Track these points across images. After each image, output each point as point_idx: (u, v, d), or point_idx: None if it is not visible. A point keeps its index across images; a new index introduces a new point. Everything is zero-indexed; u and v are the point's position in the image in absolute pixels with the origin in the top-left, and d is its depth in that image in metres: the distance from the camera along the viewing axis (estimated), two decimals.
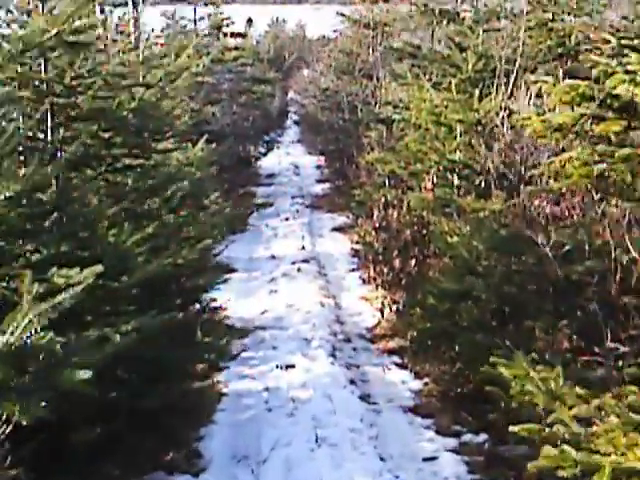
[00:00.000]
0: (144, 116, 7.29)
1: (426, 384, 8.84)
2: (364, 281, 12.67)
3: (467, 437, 7.65)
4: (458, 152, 10.37)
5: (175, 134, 9.69)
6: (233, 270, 13.69)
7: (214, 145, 15.13)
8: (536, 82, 8.06)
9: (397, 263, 9.79)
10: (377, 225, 11.12)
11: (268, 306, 11.58)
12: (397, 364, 9.48)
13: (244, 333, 10.55)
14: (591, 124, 7.22)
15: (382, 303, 10.98)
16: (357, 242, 13.56)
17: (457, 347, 8.00)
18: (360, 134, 15.33)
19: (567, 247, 6.67)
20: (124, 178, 7.66)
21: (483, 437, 7.56)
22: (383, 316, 10.35)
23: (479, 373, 7.22)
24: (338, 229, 16.36)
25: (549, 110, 9.35)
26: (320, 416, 7.96)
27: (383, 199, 11.33)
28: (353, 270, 13.42)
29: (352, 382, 8.82)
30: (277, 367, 9.23)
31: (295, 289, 12.22)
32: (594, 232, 6.91)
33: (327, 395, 8.42)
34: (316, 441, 7.44)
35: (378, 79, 15.73)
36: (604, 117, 7.04)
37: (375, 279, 11.47)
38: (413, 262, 9.57)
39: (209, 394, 8.37)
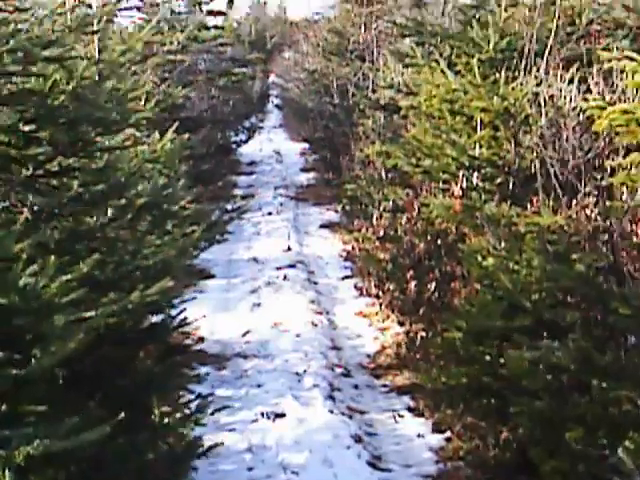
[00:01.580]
0: (85, 102, 5.11)
1: (448, 439, 6.75)
2: (360, 292, 10.56)
3: None
4: (478, 147, 8.29)
5: (136, 123, 7.57)
6: (210, 276, 11.58)
7: (191, 133, 13.02)
8: (610, 60, 5.99)
9: (412, 285, 7.66)
10: (382, 233, 8.97)
11: (250, 325, 9.42)
12: (409, 408, 7.39)
13: (221, 363, 8.43)
14: None
15: (386, 326, 8.92)
16: (353, 248, 11.42)
17: (498, 403, 5.92)
18: (354, 122, 13.15)
19: None
20: (64, 185, 5.54)
21: None
22: (399, 349, 8.18)
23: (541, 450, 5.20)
24: (327, 226, 14.20)
25: (605, 98, 7.29)
26: None
27: (390, 202, 9.13)
28: (346, 277, 11.29)
29: (357, 439, 6.70)
30: (263, 416, 7.10)
31: (281, 302, 10.06)
32: None
33: (328, 461, 6.30)
34: None
35: (373, 62, 13.55)
36: None
37: (378, 296, 9.34)
38: (432, 285, 7.45)
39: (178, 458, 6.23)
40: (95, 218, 5.62)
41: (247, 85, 22.12)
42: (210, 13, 18.44)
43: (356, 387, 7.86)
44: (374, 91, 12.73)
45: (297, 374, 7.93)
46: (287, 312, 9.66)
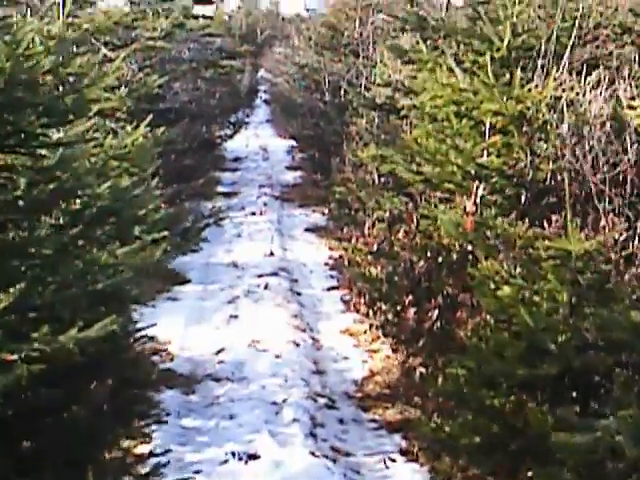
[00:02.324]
0: (20, 85, 4.03)
1: None
2: (347, 305, 9.50)
3: None
4: (486, 154, 7.25)
5: (101, 114, 6.54)
6: (186, 281, 10.48)
7: (172, 126, 11.94)
8: None
9: (411, 311, 6.58)
10: (376, 247, 7.90)
11: (225, 341, 8.33)
12: (402, 451, 6.32)
13: (190, 387, 7.36)
14: None
15: (375, 348, 7.89)
16: (340, 257, 10.39)
17: (512, 461, 4.88)
18: (346, 120, 12.09)
19: None
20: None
21: None
22: (389, 377, 7.14)
23: None
24: (312, 230, 13.12)
25: None
26: None
27: (385, 211, 8.05)
28: (332, 289, 10.22)
29: None
30: (234, 456, 6.02)
31: (261, 316, 8.98)
32: None
33: None
34: None
35: (368, 58, 12.49)
36: None
37: (368, 314, 8.27)
38: (435, 313, 6.37)
39: None
40: (37, 227, 4.55)
41: (235, 78, 21.01)
42: (198, 1, 17.36)
43: (341, 422, 6.79)
44: (368, 89, 11.69)
45: (275, 404, 6.86)
46: (267, 327, 8.60)
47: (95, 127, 7.66)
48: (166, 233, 7.29)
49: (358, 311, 9.01)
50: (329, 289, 10.21)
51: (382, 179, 9.86)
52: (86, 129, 5.61)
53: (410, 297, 6.56)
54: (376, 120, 10.74)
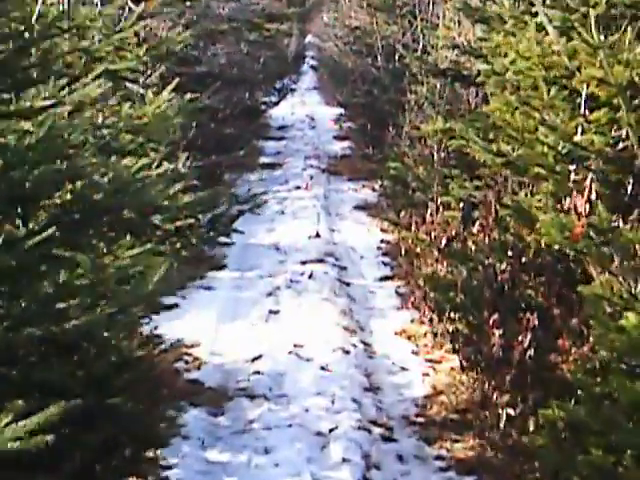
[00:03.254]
0: None
1: None
2: (402, 299, 8.08)
3: None
4: (580, 132, 5.75)
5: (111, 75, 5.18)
6: (221, 266, 9.13)
7: (211, 92, 10.62)
8: None
9: (496, 335, 5.08)
10: (445, 243, 6.43)
11: (263, 344, 6.94)
12: None
13: (219, 405, 6.00)
14: None
15: (438, 358, 6.49)
16: (397, 243, 8.95)
17: None
18: (402, 88, 10.57)
19: None
20: None
21: None
22: (457, 397, 5.74)
23: None
24: (362, 207, 11.68)
25: None
26: None
27: (459, 202, 6.55)
28: (385, 278, 8.80)
29: None
30: None
31: (304, 312, 7.61)
32: None
33: None
34: None
35: (427, 20, 10.90)
36: None
37: (431, 320, 6.85)
38: (528, 338, 4.85)
39: None
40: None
41: (281, 42, 19.56)
42: None
43: (401, 459, 5.37)
44: (428, 53, 10.14)
45: (320, 434, 5.46)
46: (311, 327, 7.23)
47: (117, 92, 6.36)
48: (192, 221, 5.94)
49: (417, 308, 7.60)
50: (382, 279, 8.78)
51: (442, 155, 8.43)
52: (88, 94, 4.28)
53: (495, 315, 5.09)
54: (438, 88, 9.22)
